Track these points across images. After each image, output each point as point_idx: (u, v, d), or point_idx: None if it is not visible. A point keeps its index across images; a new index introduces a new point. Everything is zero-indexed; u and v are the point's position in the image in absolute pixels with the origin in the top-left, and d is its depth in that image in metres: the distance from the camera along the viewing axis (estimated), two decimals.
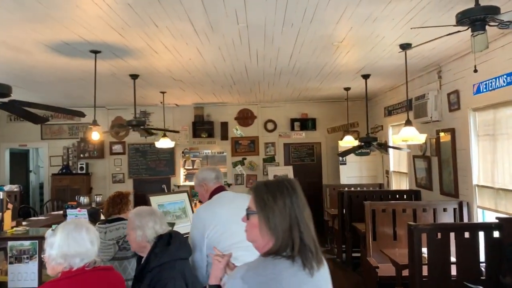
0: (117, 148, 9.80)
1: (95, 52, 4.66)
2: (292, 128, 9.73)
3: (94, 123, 5.19)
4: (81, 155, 9.64)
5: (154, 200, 4.02)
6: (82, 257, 1.95)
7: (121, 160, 9.76)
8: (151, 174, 9.73)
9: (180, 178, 9.78)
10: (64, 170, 9.59)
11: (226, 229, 2.47)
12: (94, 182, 9.73)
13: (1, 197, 4.30)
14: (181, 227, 4.17)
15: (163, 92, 7.66)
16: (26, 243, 4.17)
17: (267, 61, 5.39)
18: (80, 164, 9.58)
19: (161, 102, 8.81)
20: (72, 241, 1.94)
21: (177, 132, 7.94)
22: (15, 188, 8.55)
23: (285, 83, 7.08)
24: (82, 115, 3.81)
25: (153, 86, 7.06)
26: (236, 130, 9.74)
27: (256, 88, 7.54)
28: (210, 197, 2.80)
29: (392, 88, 7.85)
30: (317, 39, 4.41)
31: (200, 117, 9.60)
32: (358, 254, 6.52)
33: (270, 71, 6.01)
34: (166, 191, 6.68)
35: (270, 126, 9.80)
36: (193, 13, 3.55)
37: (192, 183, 9.75)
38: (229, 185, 9.63)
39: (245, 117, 9.78)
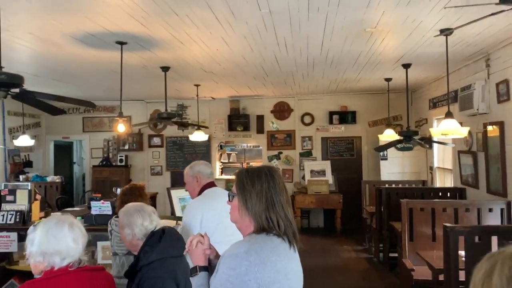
0: (156, 141, 9.89)
1: (121, 43, 4.62)
2: (331, 122, 9.40)
3: (120, 115, 5.17)
4: (121, 148, 9.81)
5: (175, 193, 3.92)
6: (62, 256, 1.82)
7: (159, 152, 9.85)
8: None
9: (216, 171, 9.72)
10: (104, 162, 9.81)
11: (220, 221, 2.56)
12: (133, 174, 9.88)
13: (29, 188, 4.36)
14: None
15: (197, 85, 7.60)
16: None
17: (297, 50, 5.15)
18: (120, 156, 9.76)
19: (197, 95, 8.80)
20: (52, 238, 1.82)
21: (206, 127, 7.84)
22: (57, 179, 8.83)
23: (320, 74, 6.80)
24: (92, 105, 3.76)
25: (186, 79, 7.01)
26: (272, 124, 9.55)
27: (290, 79, 7.31)
28: (201, 191, 2.87)
29: (437, 78, 7.36)
30: (348, 25, 4.13)
31: (235, 110, 9.49)
32: (396, 254, 6.17)
33: (302, 61, 5.76)
34: None
35: (307, 119, 9.52)
36: None
37: (228, 177, 9.69)
38: None
39: (281, 110, 9.56)
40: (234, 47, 4.89)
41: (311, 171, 9.07)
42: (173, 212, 3.86)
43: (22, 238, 4.30)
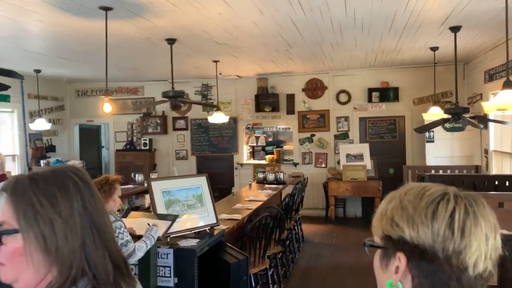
0: (180, 123, 9.33)
1: (105, 8, 3.97)
2: (370, 100, 8.40)
3: (106, 93, 4.55)
4: (144, 131, 9.34)
5: (157, 185, 3.25)
6: None
7: (184, 136, 9.29)
8: (214, 151, 9.13)
9: (244, 155, 9.03)
10: (128, 146, 9.39)
11: None
12: (158, 159, 9.41)
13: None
14: (193, 219, 3.37)
15: (215, 61, 6.88)
16: None
17: (316, 11, 4.27)
18: (144, 140, 9.30)
19: (220, 74, 8.09)
20: None
21: (214, 106, 7.11)
22: (78, 164, 8.49)
23: (352, 42, 5.86)
24: (20, 77, 3.11)
25: (201, 54, 6.31)
26: (304, 103, 8.67)
27: (318, 51, 6.41)
28: None
29: (494, 45, 6.19)
30: None
31: (263, 89, 8.69)
32: None
33: (326, 26, 4.87)
34: (176, 174, 5.91)
35: (343, 97, 8.56)
36: None
37: (257, 161, 8.98)
38: (295, 164, 8.69)
39: (314, 88, 8.65)
40: (238, 9, 4.10)
41: (347, 155, 8.16)
42: (153, 208, 3.20)
43: None
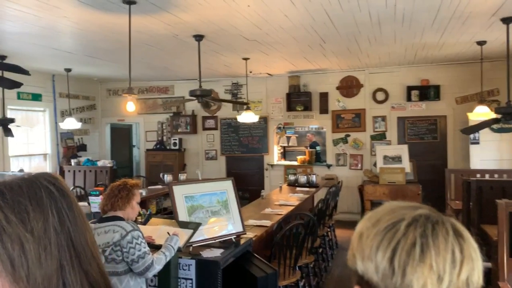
0: (210, 123, 9.14)
1: (129, 2, 3.77)
2: (409, 99, 7.92)
3: (129, 91, 4.35)
4: (174, 130, 9.20)
5: (179, 190, 3.00)
6: None
7: (213, 135, 9.09)
8: (244, 152, 8.88)
9: (274, 156, 8.74)
10: (158, 146, 9.29)
11: None
12: (188, 159, 9.26)
13: None
14: (216, 228, 3.11)
15: (245, 59, 6.63)
16: None
17: (353, 2, 3.93)
18: (174, 139, 9.16)
19: (251, 72, 7.84)
20: None
21: (244, 104, 6.84)
22: (108, 163, 8.44)
23: (391, 37, 5.46)
24: (26, 72, 2.91)
25: (230, 51, 6.07)
26: (338, 102, 8.29)
27: (354, 46, 6.04)
28: None
29: None
30: None
31: (295, 88, 8.37)
32: (490, 264, 4.77)
33: (363, 18, 4.51)
34: (199, 177, 5.63)
35: (380, 96, 8.13)
36: None
37: (289, 162, 8.69)
38: (328, 166, 8.32)
39: (349, 86, 8.25)
40: (268, 0, 3.82)
41: (384, 157, 7.71)
42: (174, 215, 2.97)
43: None
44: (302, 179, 6.77)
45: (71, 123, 7.52)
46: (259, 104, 8.65)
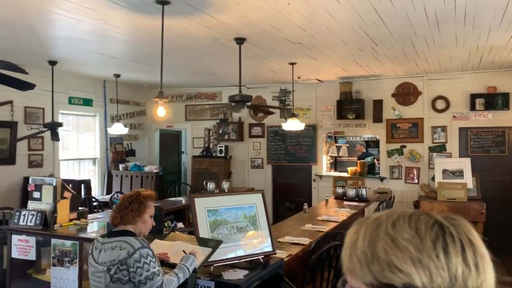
0: (257, 130, 8.88)
1: (162, 2, 3.60)
2: (473, 108, 7.21)
3: (160, 95, 4.17)
4: (221, 137, 9.05)
5: (201, 203, 2.73)
6: None
7: (260, 143, 8.82)
8: (291, 161, 8.53)
9: (323, 166, 8.31)
10: (204, 153, 9.17)
11: None
12: (234, 167, 9.06)
13: (54, 185, 3.64)
14: (242, 246, 2.81)
15: (292, 64, 6.31)
16: (68, 243, 3.42)
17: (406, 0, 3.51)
18: (220, 146, 9.00)
19: (299, 77, 7.52)
20: None
21: (286, 109, 6.51)
22: (154, 169, 8.43)
23: (452, 38, 4.92)
24: (31, 86, 2.74)
25: (275, 55, 5.79)
26: (394, 110, 7.73)
27: (410, 50, 5.53)
28: None
29: None
30: None
31: (347, 95, 7.91)
32: None
33: (418, 17, 4.05)
34: (225, 189, 5.27)
35: (440, 104, 7.47)
36: None
37: (338, 173, 8.23)
38: (382, 179, 7.77)
39: (405, 94, 7.67)
40: None
41: (444, 171, 7.05)
42: (193, 230, 2.70)
43: (43, 243, 3.60)
44: (351, 192, 6.31)
45: (118, 128, 7.57)
46: (307, 111, 8.28)
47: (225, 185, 7.03)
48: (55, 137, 6.20)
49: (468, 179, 6.90)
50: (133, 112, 9.28)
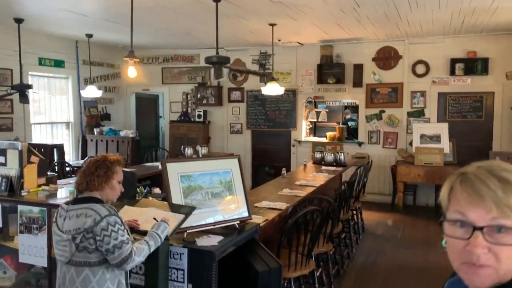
0: (236, 95, 8.71)
1: None
2: (452, 72, 7.19)
3: (130, 54, 3.96)
4: (199, 102, 8.85)
5: (174, 168, 2.63)
6: None
7: (239, 108, 8.68)
8: (270, 126, 8.44)
9: (302, 132, 8.26)
10: (182, 118, 8.99)
11: None
12: (212, 132, 8.93)
13: (20, 149, 3.46)
14: (216, 212, 2.73)
15: (272, 25, 6.11)
16: (35, 209, 3.29)
17: None
18: (198, 111, 8.83)
19: (279, 40, 7.32)
20: None
21: (266, 75, 6.34)
22: (130, 134, 8.24)
23: (435, 0, 4.79)
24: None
25: (254, 14, 5.57)
26: (374, 75, 7.65)
27: (393, 12, 5.39)
28: None
29: None
30: None
31: (327, 58, 7.77)
32: None
33: None
34: (199, 154, 5.20)
35: (420, 69, 7.42)
36: None
37: (318, 139, 8.20)
38: (360, 143, 7.77)
39: (386, 58, 7.58)
40: None
41: (422, 136, 7.11)
42: (166, 196, 2.61)
43: (9, 210, 3.46)
44: (329, 157, 6.28)
45: (92, 91, 7.30)
46: (287, 75, 8.13)
47: (203, 150, 6.90)
48: (24, 99, 5.93)
49: (445, 144, 6.96)
50: (107, 74, 8.96)
